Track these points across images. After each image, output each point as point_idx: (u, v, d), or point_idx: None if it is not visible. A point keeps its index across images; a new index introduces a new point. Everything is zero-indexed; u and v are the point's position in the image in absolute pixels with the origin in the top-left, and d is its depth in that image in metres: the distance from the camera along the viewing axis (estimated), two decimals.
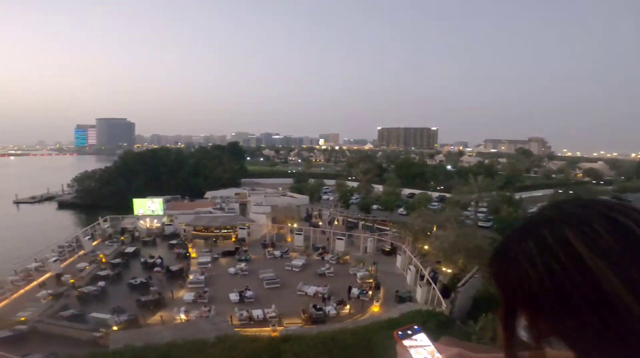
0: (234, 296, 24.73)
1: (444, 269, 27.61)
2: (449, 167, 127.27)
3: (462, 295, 15.99)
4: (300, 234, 38.49)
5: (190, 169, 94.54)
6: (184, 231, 41.59)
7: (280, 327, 20.22)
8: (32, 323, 21.26)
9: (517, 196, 60.58)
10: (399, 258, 31.94)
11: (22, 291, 26.98)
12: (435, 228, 34.43)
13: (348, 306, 23.57)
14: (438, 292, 21.19)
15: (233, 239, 39.81)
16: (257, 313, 21.97)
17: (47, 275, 29.20)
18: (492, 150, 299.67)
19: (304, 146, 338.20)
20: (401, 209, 61.39)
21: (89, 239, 37.99)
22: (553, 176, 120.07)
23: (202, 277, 28.06)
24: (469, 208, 55.96)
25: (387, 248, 36.66)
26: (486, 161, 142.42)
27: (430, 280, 23.17)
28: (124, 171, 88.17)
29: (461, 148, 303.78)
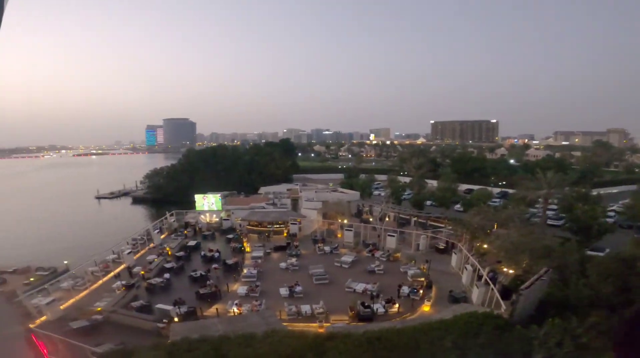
0: (284, 291, 25.26)
1: (504, 269, 25.66)
2: (512, 161, 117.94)
3: (526, 298, 14.61)
4: (351, 230, 38.29)
5: (245, 166, 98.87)
6: (240, 225, 43.50)
7: (327, 323, 20.23)
8: (106, 313, 22.40)
9: (594, 192, 54.09)
10: (454, 257, 30.35)
11: (100, 282, 28.80)
12: (496, 226, 32.19)
13: (397, 305, 22.90)
14: (497, 294, 19.80)
15: (285, 234, 40.83)
16: (305, 308, 22.23)
17: (121, 267, 31.41)
18: (564, 143, 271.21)
19: (355, 141, 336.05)
20: (458, 205, 58.73)
21: (158, 232, 40.77)
22: (637, 170, 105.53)
23: (255, 271, 28.93)
24: (536, 205, 51.52)
25: (442, 246, 35.05)
26: (557, 155, 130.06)
27: (489, 281, 21.78)
28: (187, 168, 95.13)
29: (526, 141, 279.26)
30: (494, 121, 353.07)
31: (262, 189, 66.27)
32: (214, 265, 30.53)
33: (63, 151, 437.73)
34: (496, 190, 75.20)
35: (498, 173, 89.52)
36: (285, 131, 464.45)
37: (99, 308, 22.82)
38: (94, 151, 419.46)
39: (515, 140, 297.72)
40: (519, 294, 14.80)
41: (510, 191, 68.31)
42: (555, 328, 12.23)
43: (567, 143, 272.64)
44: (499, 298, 19.37)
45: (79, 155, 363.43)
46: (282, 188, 67.41)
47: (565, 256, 22.34)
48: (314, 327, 19.45)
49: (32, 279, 33.64)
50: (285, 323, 19.22)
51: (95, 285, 27.99)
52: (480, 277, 23.63)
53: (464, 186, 77.20)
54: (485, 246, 29.96)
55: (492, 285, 20.91)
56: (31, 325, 20.03)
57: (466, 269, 25.85)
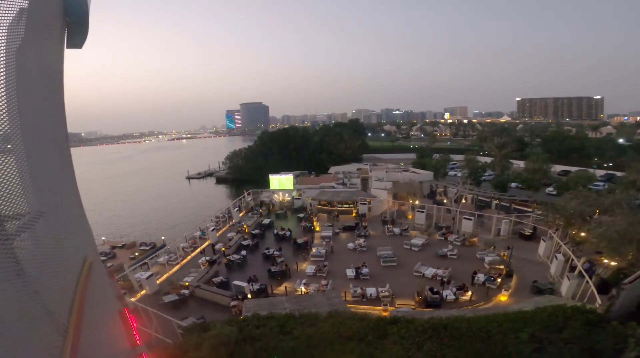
0: (350, 272, 25.15)
1: (605, 261, 22.32)
2: (621, 141, 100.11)
3: (627, 293, 12.53)
4: (422, 212, 36.70)
5: (316, 146, 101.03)
6: (310, 205, 44.80)
7: (392, 307, 19.78)
8: (192, 288, 23.71)
9: None
10: (542, 245, 27.25)
11: (188, 258, 30.31)
12: (597, 213, 27.95)
13: (470, 293, 21.36)
14: (593, 287, 17.38)
15: (354, 214, 40.89)
16: (370, 290, 21.98)
17: (206, 243, 33.17)
18: None
19: (427, 120, 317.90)
20: (550, 188, 52.67)
21: (237, 210, 43.45)
22: None
23: (324, 251, 29.27)
24: None
25: (528, 231, 31.73)
26: None
27: (584, 272, 19.19)
28: (261, 149, 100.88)
29: (639, 118, 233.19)
30: (598, 96, 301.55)
31: (332, 169, 67.03)
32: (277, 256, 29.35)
33: (160, 136, 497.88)
34: (600, 172, 65.38)
35: (602, 153, 77.14)
36: (354, 111, 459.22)
37: (187, 283, 24.31)
38: (184, 136, 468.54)
39: (626, 117, 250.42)
40: (620, 288, 12.76)
41: (618, 173, 58.63)
42: None
43: None
44: (595, 291, 17.00)
45: (172, 139, 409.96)
46: (352, 167, 67.38)
47: None
48: (377, 310, 19.25)
49: (136, 254, 37.63)
50: (349, 305, 19.19)
51: (185, 260, 29.80)
52: (573, 268, 20.95)
53: (558, 168, 68.40)
54: (582, 234, 26.29)
55: (587, 277, 18.41)
56: (133, 299, 21.99)
57: (556, 258, 23.06)
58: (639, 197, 37.16)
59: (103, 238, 43.72)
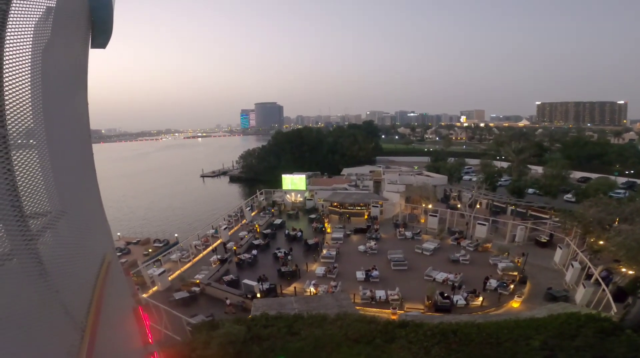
0: (360, 275, 25.08)
1: (623, 270, 21.68)
2: None
3: None
4: (435, 216, 36.34)
5: (329, 147, 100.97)
6: (322, 206, 44.82)
7: (401, 310, 19.66)
8: (203, 285, 23.85)
9: None
10: (558, 252, 26.61)
11: (200, 255, 30.41)
12: (617, 221, 27.13)
13: (481, 298, 21.10)
14: (609, 295, 16.98)
15: (365, 216, 40.74)
16: (380, 293, 21.89)
17: (218, 241, 33.13)
18: None
19: (443, 123, 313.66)
20: (569, 195, 51.52)
21: (249, 210, 43.46)
22: None
23: (334, 253, 29.21)
24: None
25: (544, 238, 31.02)
26: None
27: (601, 281, 18.74)
28: (275, 149, 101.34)
29: None
30: (622, 102, 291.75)
31: (345, 171, 66.85)
32: (285, 260, 28.90)
33: (176, 134, 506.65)
34: (621, 180, 63.27)
35: (625, 160, 74.63)
36: (368, 113, 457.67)
37: (198, 281, 24.44)
38: (200, 134, 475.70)
39: None
40: (637, 297, 12.40)
41: None
42: None
43: None
44: (611, 299, 16.55)
45: (188, 137, 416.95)
46: (365, 169, 67.06)
47: None
48: (386, 313, 19.18)
49: (150, 250, 38.05)
50: (358, 307, 19.18)
51: (197, 258, 30.01)
52: (589, 276, 20.44)
53: (577, 174, 66.58)
54: (601, 242, 25.56)
55: (604, 286, 17.94)
56: (145, 295, 21.69)
57: (572, 266, 22.51)
58: None
59: (119, 234, 44.82)
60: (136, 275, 25.43)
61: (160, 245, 40.13)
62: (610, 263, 23.27)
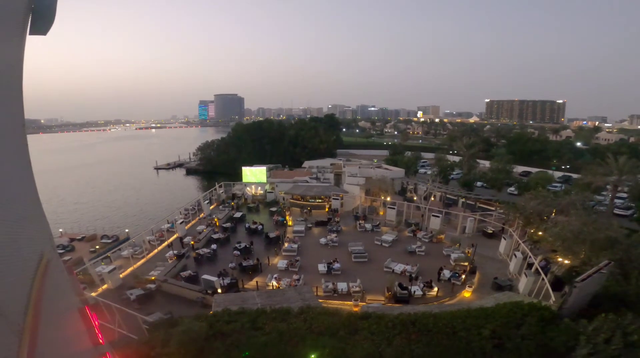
0: (322, 267, 25.37)
1: (559, 259, 23.85)
2: (578, 144, 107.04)
3: (579, 290, 13.47)
4: (393, 208, 37.59)
5: (290, 140, 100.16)
6: (283, 199, 44.51)
7: (363, 302, 20.17)
8: (159, 282, 23.11)
9: None
10: (503, 242, 28.75)
11: (155, 251, 29.42)
12: (554, 213, 29.75)
13: (436, 289, 22.32)
14: (548, 284, 18.56)
15: (326, 209, 41.19)
16: (342, 286, 22.34)
17: (174, 236, 32.29)
18: None
19: (401, 118, 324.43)
20: (512, 188, 55.41)
21: (207, 203, 42.11)
22: None
23: (296, 246, 29.32)
24: (603, 193, 46.85)
25: (490, 230, 33.31)
26: (631, 139, 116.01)
27: (540, 270, 20.41)
28: (235, 141, 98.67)
29: (597, 123, 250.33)
30: (561, 101, 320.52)
31: (306, 164, 66.82)
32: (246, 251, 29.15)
33: (127, 124, 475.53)
34: (558, 174, 69.59)
35: (561, 156, 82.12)
36: (330, 106, 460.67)
37: (153, 278, 23.65)
38: (154, 125, 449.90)
39: (584, 122, 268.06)
40: (573, 286, 13.68)
41: (575, 176, 62.75)
42: (606, 324, 11.39)
43: None
44: (550, 289, 18.12)
45: (141, 128, 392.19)
46: (326, 162, 67.51)
47: (630, 249, 20.16)
48: (349, 305, 19.56)
49: (97, 247, 35.78)
50: (320, 300, 19.37)
51: (151, 254, 28.91)
52: (530, 265, 22.22)
53: (520, 168, 72.16)
54: (540, 233, 27.90)
55: (543, 275, 19.57)
56: (93, 294, 20.75)
57: (515, 256, 24.41)
58: (593, 199, 40.08)
59: (60, 230, 41.39)
60: (82, 273, 24.07)
61: (109, 241, 37.68)
62: (549, 253, 25.38)
